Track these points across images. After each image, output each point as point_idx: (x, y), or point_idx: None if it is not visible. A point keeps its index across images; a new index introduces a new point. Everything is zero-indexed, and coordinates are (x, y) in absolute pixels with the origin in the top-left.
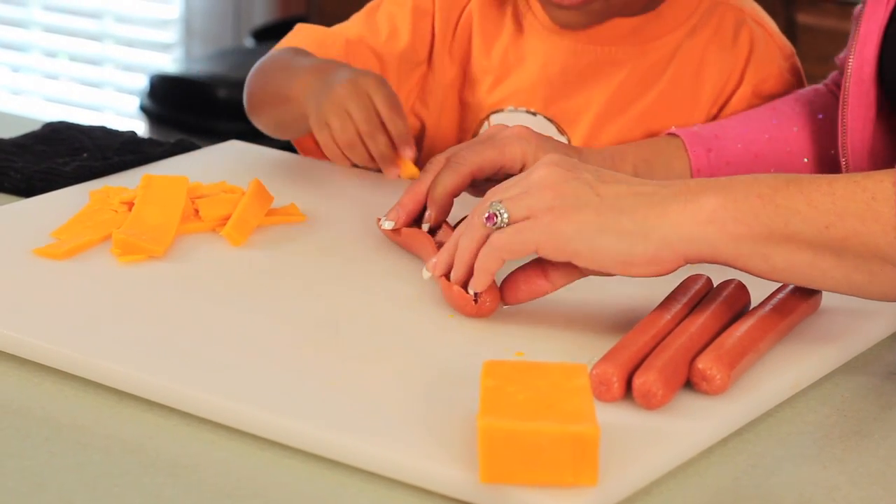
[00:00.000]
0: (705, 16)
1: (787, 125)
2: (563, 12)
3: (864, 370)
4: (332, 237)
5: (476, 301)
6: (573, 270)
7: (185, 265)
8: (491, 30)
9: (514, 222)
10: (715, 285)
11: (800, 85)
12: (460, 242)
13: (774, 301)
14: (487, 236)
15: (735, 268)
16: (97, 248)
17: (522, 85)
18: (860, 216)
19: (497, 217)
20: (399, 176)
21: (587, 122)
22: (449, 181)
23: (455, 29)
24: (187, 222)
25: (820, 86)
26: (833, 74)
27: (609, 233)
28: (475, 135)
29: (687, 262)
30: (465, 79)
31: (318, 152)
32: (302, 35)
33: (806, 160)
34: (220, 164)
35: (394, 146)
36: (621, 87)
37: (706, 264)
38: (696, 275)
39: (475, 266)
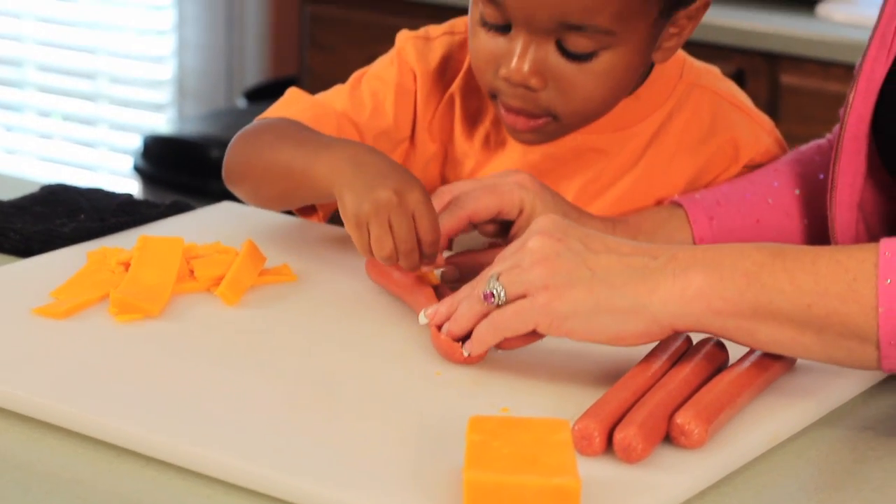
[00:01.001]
0: (682, 99)
1: (788, 187)
2: (517, 133)
3: (838, 425)
4: (323, 296)
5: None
6: None
7: (181, 324)
8: (473, 114)
9: (511, 299)
10: (695, 343)
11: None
12: (460, 308)
13: (752, 358)
14: (486, 312)
15: (721, 338)
16: (95, 307)
17: (504, 169)
18: (841, 297)
19: (494, 296)
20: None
21: None
22: (446, 223)
23: (436, 109)
24: (183, 282)
25: (823, 141)
26: (836, 127)
27: (602, 312)
28: None
29: (675, 332)
30: (447, 157)
31: (311, 216)
32: (296, 106)
33: (806, 222)
34: (215, 225)
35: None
36: (601, 172)
37: None
38: (677, 333)
39: (474, 335)
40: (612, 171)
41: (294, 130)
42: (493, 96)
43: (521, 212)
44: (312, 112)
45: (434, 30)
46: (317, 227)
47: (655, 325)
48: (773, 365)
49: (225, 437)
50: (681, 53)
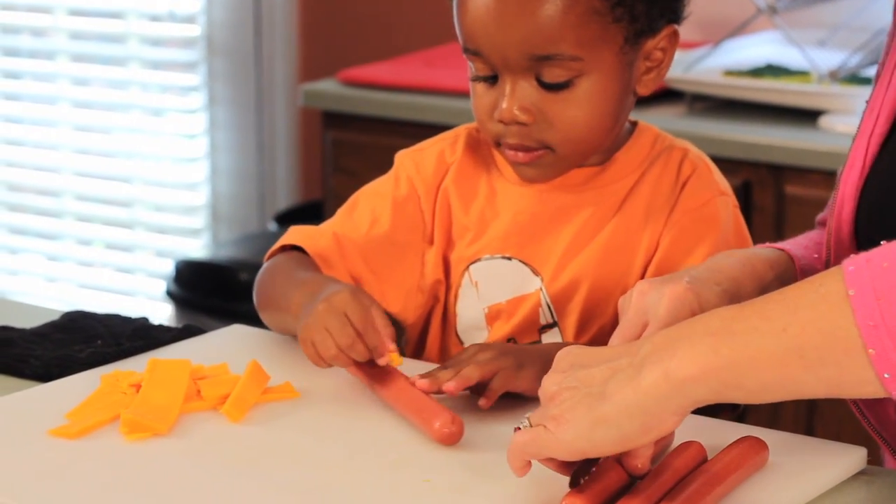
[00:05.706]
0: (654, 161)
1: None
2: (522, 168)
3: None
4: (323, 412)
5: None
6: None
7: (188, 441)
8: (468, 194)
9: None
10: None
11: (736, 222)
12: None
13: (724, 458)
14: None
15: (719, 402)
16: (107, 427)
17: (498, 234)
18: (812, 306)
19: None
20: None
21: (555, 260)
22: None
23: (435, 203)
24: (190, 401)
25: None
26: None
27: (599, 425)
28: (457, 288)
29: (678, 415)
30: (449, 241)
31: None
32: (294, 235)
33: None
34: (223, 347)
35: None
36: (584, 226)
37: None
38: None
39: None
40: (594, 222)
41: (290, 268)
42: (498, 144)
43: None
44: (306, 235)
45: (426, 142)
46: None
47: (650, 419)
48: (744, 463)
49: None
50: (654, 129)
